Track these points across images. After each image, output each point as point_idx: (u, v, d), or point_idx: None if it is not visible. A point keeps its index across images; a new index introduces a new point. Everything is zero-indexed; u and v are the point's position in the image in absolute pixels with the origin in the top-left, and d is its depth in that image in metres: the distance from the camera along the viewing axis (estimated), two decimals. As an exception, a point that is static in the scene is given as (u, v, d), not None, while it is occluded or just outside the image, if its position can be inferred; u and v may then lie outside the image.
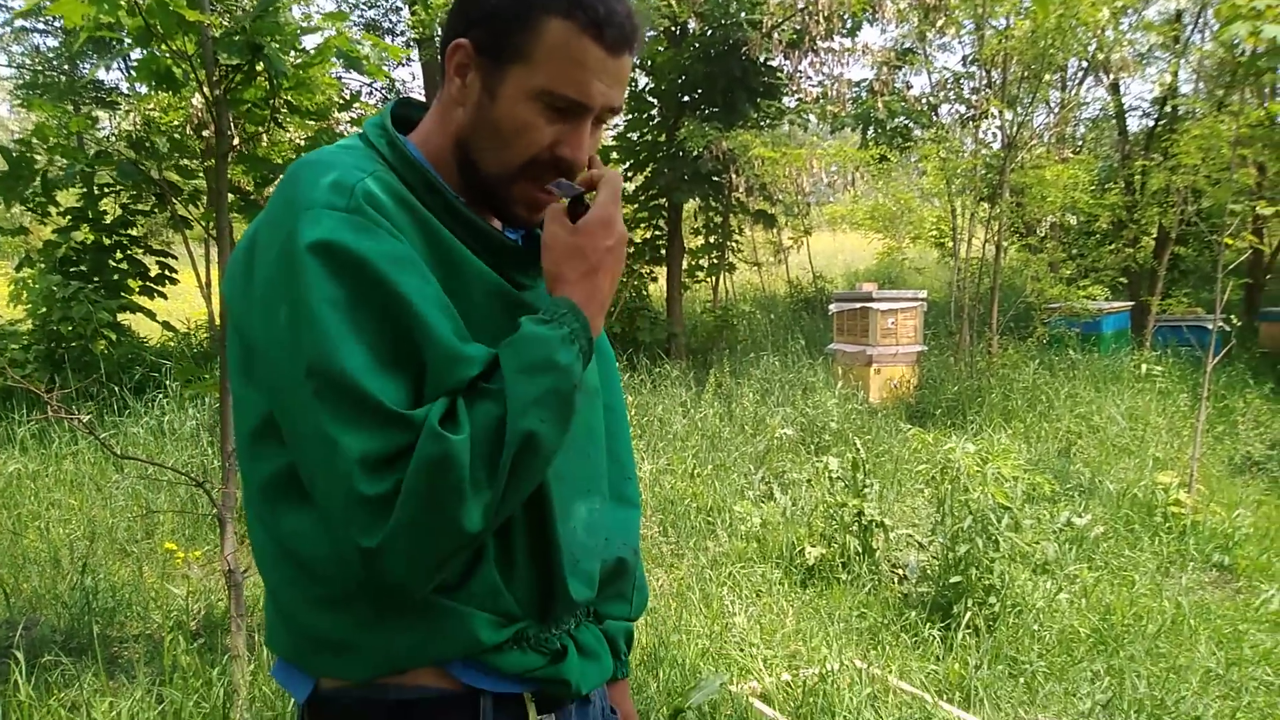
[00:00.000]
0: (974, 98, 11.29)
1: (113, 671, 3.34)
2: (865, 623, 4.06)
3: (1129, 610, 4.20)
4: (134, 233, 9.00)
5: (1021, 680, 3.59)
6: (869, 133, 14.03)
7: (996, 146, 10.17)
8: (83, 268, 8.54)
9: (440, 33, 1.18)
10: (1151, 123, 13.77)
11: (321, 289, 0.97)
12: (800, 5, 10.29)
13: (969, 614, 3.92)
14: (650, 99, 11.56)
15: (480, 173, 1.14)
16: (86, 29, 3.03)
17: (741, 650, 3.69)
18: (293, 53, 3.36)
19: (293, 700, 1.17)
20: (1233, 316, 7.21)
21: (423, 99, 1.27)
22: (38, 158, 3.70)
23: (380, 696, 1.09)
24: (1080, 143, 14.97)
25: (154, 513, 5.06)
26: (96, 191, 8.39)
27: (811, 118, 12.43)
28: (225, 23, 3.26)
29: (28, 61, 15.82)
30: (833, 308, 9.72)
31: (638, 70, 11.36)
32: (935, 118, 12.21)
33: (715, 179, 11.00)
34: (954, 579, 4.06)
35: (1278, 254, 14.25)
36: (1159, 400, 8.42)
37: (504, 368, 1.00)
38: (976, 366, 9.12)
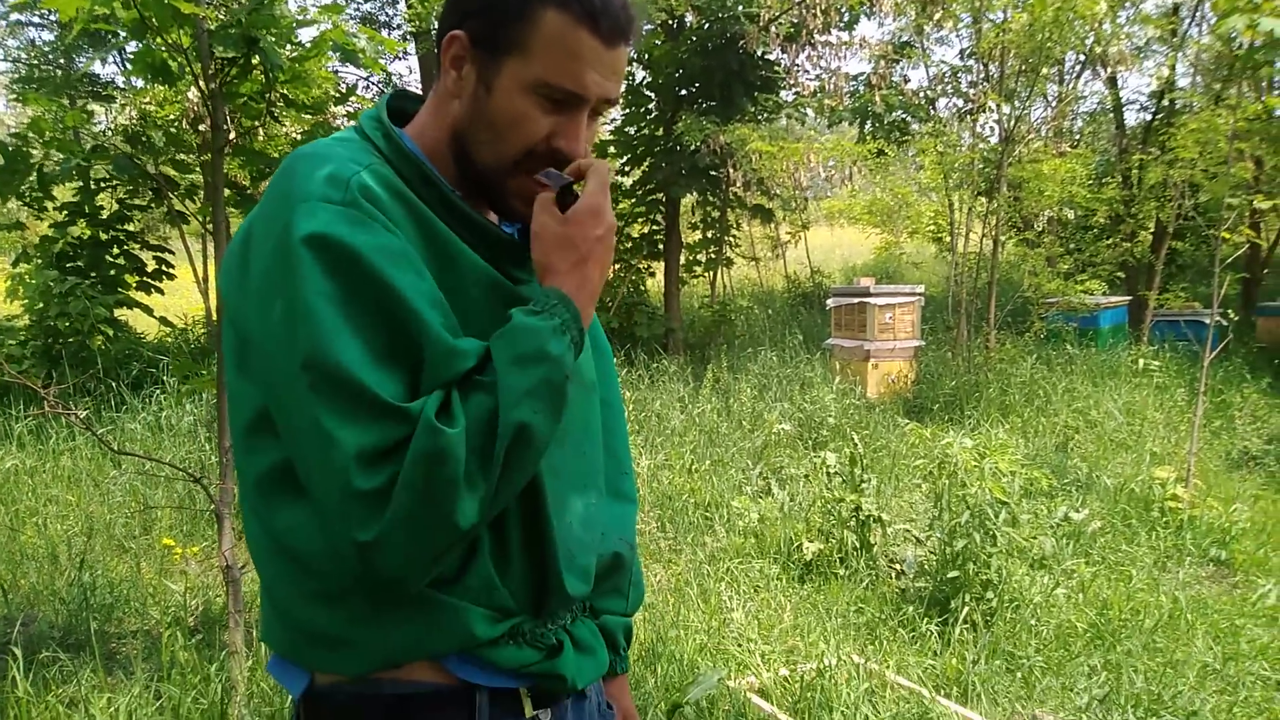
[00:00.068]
0: (971, 92, 11.27)
1: (111, 667, 3.34)
2: (863, 618, 4.07)
3: (1126, 605, 4.21)
4: (131, 228, 8.99)
5: (1019, 675, 3.59)
6: (866, 127, 14.02)
7: (994, 141, 10.18)
8: (80, 263, 8.53)
9: (436, 25, 1.17)
10: (1149, 116, 13.78)
11: (316, 282, 0.97)
12: (797, -1, 10.28)
13: (966, 609, 3.92)
14: (647, 93, 11.55)
15: (476, 165, 1.13)
16: (81, 21, 3.02)
17: (739, 645, 3.69)
18: (289, 46, 3.35)
19: (290, 696, 1.17)
20: (1230, 311, 7.23)
21: (419, 92, 1.26)
22: (34, 152, 3.69)
23: (376, 691, 1.08)
24: (1077, 137, 14.98)
25: (152, 509, 5.05)
26: (93, 186, 8.38)
27: (809, 112, 12.42)
28: (221, 15, 3.25)
29: (23, 56, 15.77)
30: (830, 303, 9.72)
31: (635, 64, 11.34)
32: (932, 112, 12.21)
33: (713, 173, 10.99)
34: (951, 574, 4.06)
35: (1275, 248, 14.27)
36: (1156, 395, 8.43)
37: (495, 359, 1.00)
38: (974, 361, 9.12)
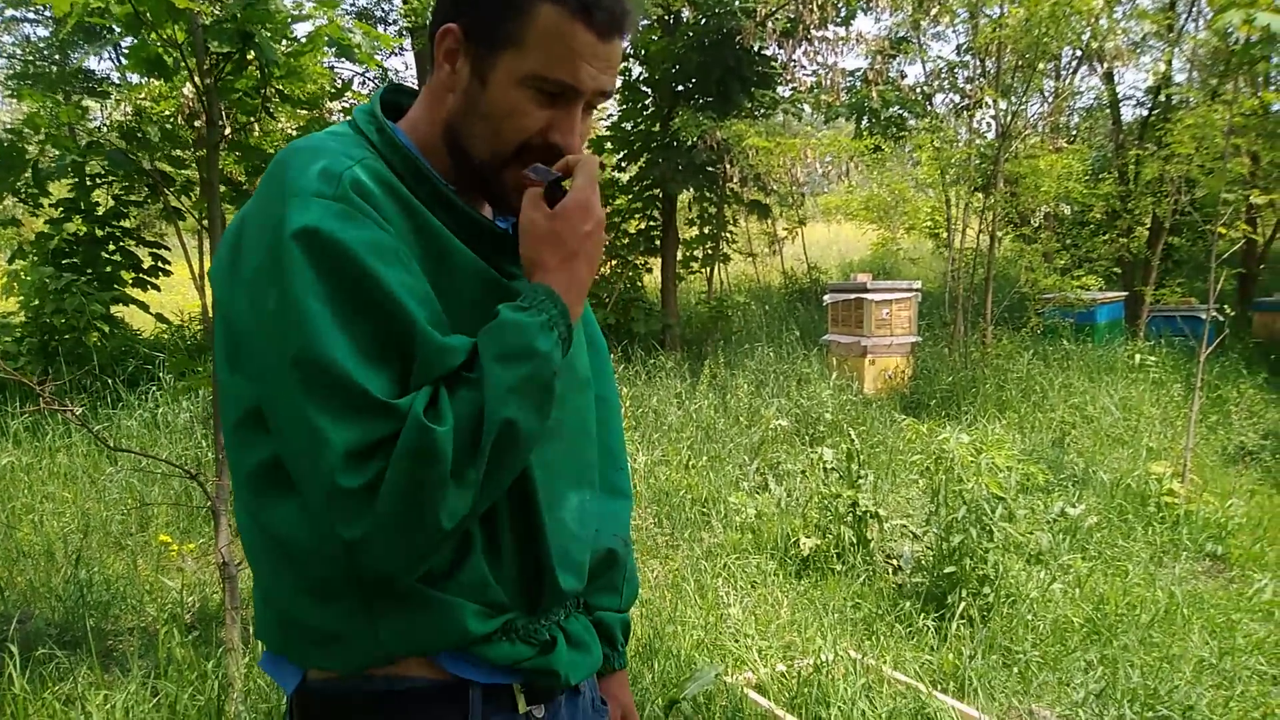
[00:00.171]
0: (968, 87, 11.28)
1: (107, 665, 3.33)
2: (860, 613, 4.07)
3: (1122, 600, 4.21)
4: (126, 224, 8.97)
5: (1015, 670, 3.60)
6: (863, 122, 14.02)
7: (990, 136, 10.17)
8: (75, 260, 8.51)
9: (430, 19, 1.17)
10: (1145, 112, 13.79)
11: (306, 278, 0.96)
12: (794, -6, 10.25)
13: (963, 604, 3.92)
14: (644, 88, 11.53)
15: (471, 159, 1.13)
16: (75, 16, 3.01)
17: (736, 641, 3.69)
18: (284, 41, 3.34)
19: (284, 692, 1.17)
20: (1226, 306, 7.22)
21: (415, 87, 1.26)
22: (29, 148, 3.68)
23: (369, 687, 1.08)
24: (1074, 132, 14.98)
25: (148, 505, 5.04)
26: (88, 183, 8.36)
27: (806, 107, 12.41)
28: (216, 10, 3.24)
29: (18, 52, 15.74)
30: (827, 299, 9.72)
31: (631, 60, 11.32)
32: (929, 107, 12.21)
33: (709, 169, 10.97)
34: (948, 569, 4.06)
35: (1271, 244, 14.28)
36: (1153, 390, 8.44)
37: (481, 356, 1.00)
38: (971, 357, 9.12)
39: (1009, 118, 9.54)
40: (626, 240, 11.91)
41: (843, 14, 11.47)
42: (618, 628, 1.35)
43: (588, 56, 1.08)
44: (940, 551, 4.21)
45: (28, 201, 8.01)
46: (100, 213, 8.64)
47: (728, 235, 12.66)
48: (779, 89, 11.64)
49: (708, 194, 11.88)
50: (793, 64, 11.51)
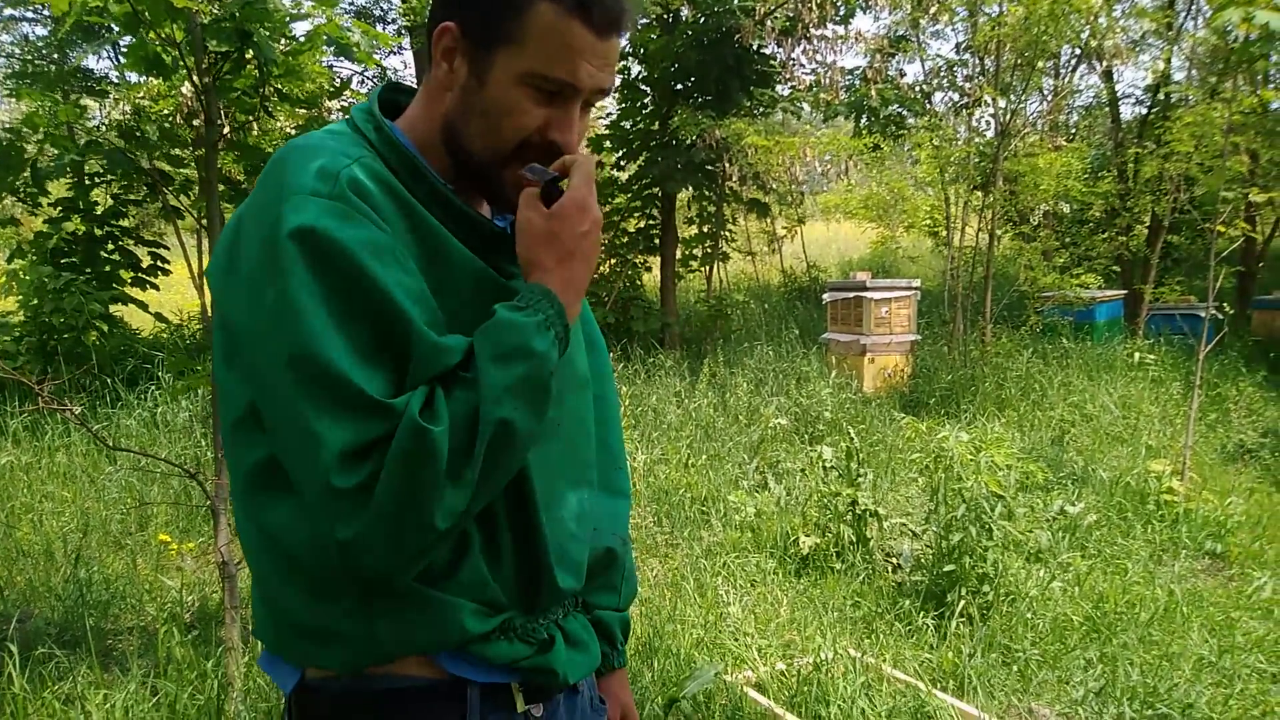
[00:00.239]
0: (967, 85, 11.27)
1: (107, 664, 3.33)
2: (859, 612, 4.07)
3: (1122, 598, 4.21)
4: (125, 224, 8.97)
5: (1015, 668, 3.60)
6: (862, 121, 14.00)
7: (989, 135, 10.17)
8: (74, 259, 8.51)
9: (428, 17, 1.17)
10: (1144, 110, 13.79)
11: (302, 277, 0.96)
12: (793, -7, 10.25)
13: (963, 602, 3.92)
14: (643, 87, 11.52)
15: (470, 157, 1.13)
16: (74, 16, 3.00)
17: (736, 640, 3.69)
18: (283, 40, 3.34)
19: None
20: (1225, 304, 7.22)
21: (414, 86, 1.26)
22: (28, 147, 3.68)
23: (366, 686, 1.08)
24: (1073, 131, 14.98)
25: (147, 505, 5.04)
26: (87, 182, 8.36)
27: (805, 106, 12.40)
28: (214, 9, 3.23)
29: (17, 51, 15.72)
30: (827, 297, 9.71)
31: (630, 58, 11.32)
32: (928, 106, 12.20)
33: (708, 168, 10.97)
34: (948, 568, 4.06)
35: (1270, 242, 14.28)
36: (1152, 388, 8.44)
37: (477, 356, 1.00)
38: (970, 355, 9.13)
39: (1008, 116, 9.54)
40: (625, 239, 11.90)
41: (841, 12, 11.46)
42: (617, 626, 1.35)
43: (586, 54, 1.08)
44: (940, 550, 4.21)
45: (27, 201, 8.01)
46: (99, 212, 8.64)
47: (727, 234, 12.65)
48: (778, 87, 11.64)
49: (707, 193, 11.88)
50: (792, 62, 11.51)
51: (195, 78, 3.09)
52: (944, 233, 11.08)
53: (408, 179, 1.09)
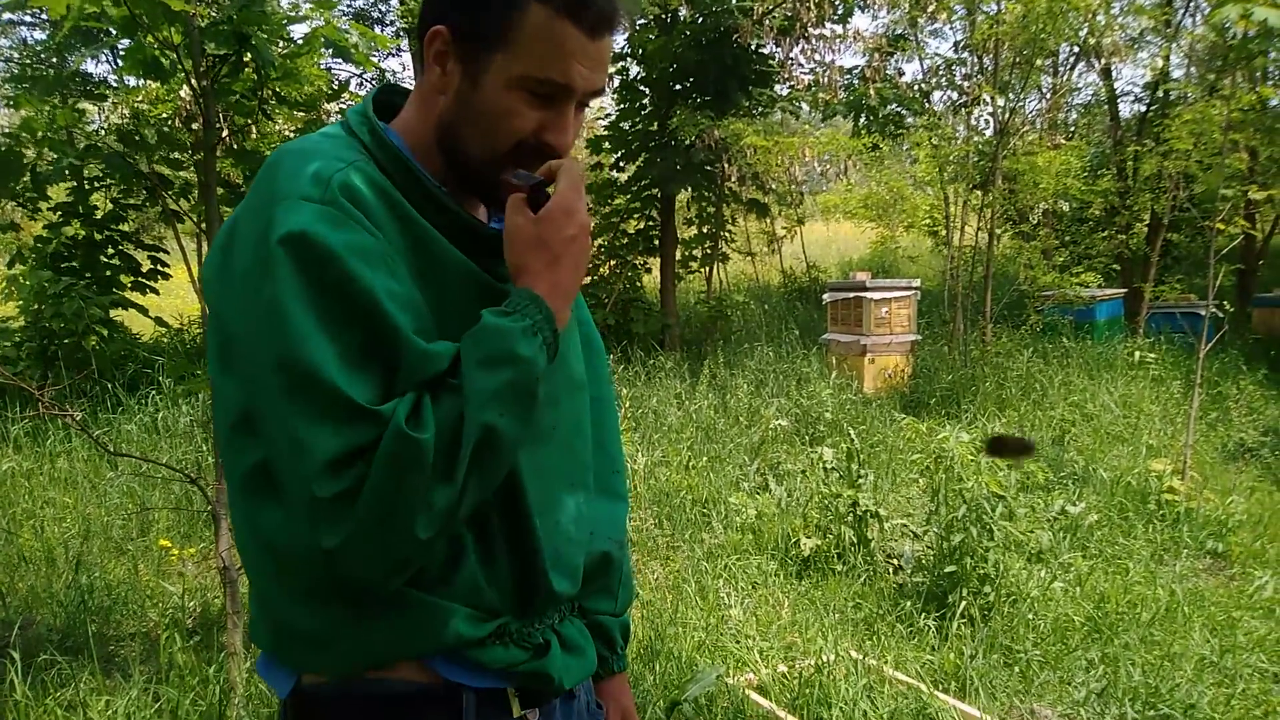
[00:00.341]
0: (966, 84, 11.27)
1: (109, 670, 3.33)
2: (861, 613, 4.07)
3: (1123, 598, 4.21)
4: (125, 228, 8.96)
5: (1017, 669, 3.59)
6: (861, 120, 14.01)
7: (988, 133, 10.16)
8: (74, 263, 8.51)
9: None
10: (1143, 108, 13.79)
11: (291, 282, 0.96)
12: (791, -7, 10.25)
13: (964, 603, 3.92)
14: (641, 88, 11.52)
15: (466, 161, 1.13)
16: (71, 19, 3.00)
17: (738, 642, 3.69)
18: (280, 43, 3.34)
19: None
20: (1225, 302, 7.23)
21: (410, 88, 1.25)
22: (27, 152, 3.67)
23: (362, 691, 1.08)
24: (1072, 129, 14.98)
25: (148, 510, 5.04)
26: (87, 186, 8.35)
27: (803, 105, 12.40)
28: (212, 13, 3.23)
29: (15, 56, 15.73)
30: (827, 297, 9.71)
31: (629, 59, 11.32)
32: (927, 105, 12.20)
33: (708, 168, 10.96)
34: (949, 568, 4.06)
35: (1270, 239, 14.27)
36: (1152, 387, 8.44)
37: (463, 361, 1.00)
38: (970, 355, 9.12)
39: (1007, 114, 9.54)
40: (625, 240, 11.91)
41: (840, 11, 11.47)
42: (616, 630, 1.35)
43: (579, 56, 1.07)
44: (941, 551, 4.21)
45: (26, 205, 8.01)
46: (99, 216, 8.64)
47: (726, 234, 12.65)
48: (777, 87, 11.64)
49: (706, 193, 11.88)
50: (790, 62, 11.51)
51: (193, 81, 3.09)
52: (943, 232, 11.09)
53: (401, 183, 1.09)
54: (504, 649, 1.12)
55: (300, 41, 3.38)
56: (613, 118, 11.94)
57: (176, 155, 4.80)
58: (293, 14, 3.41)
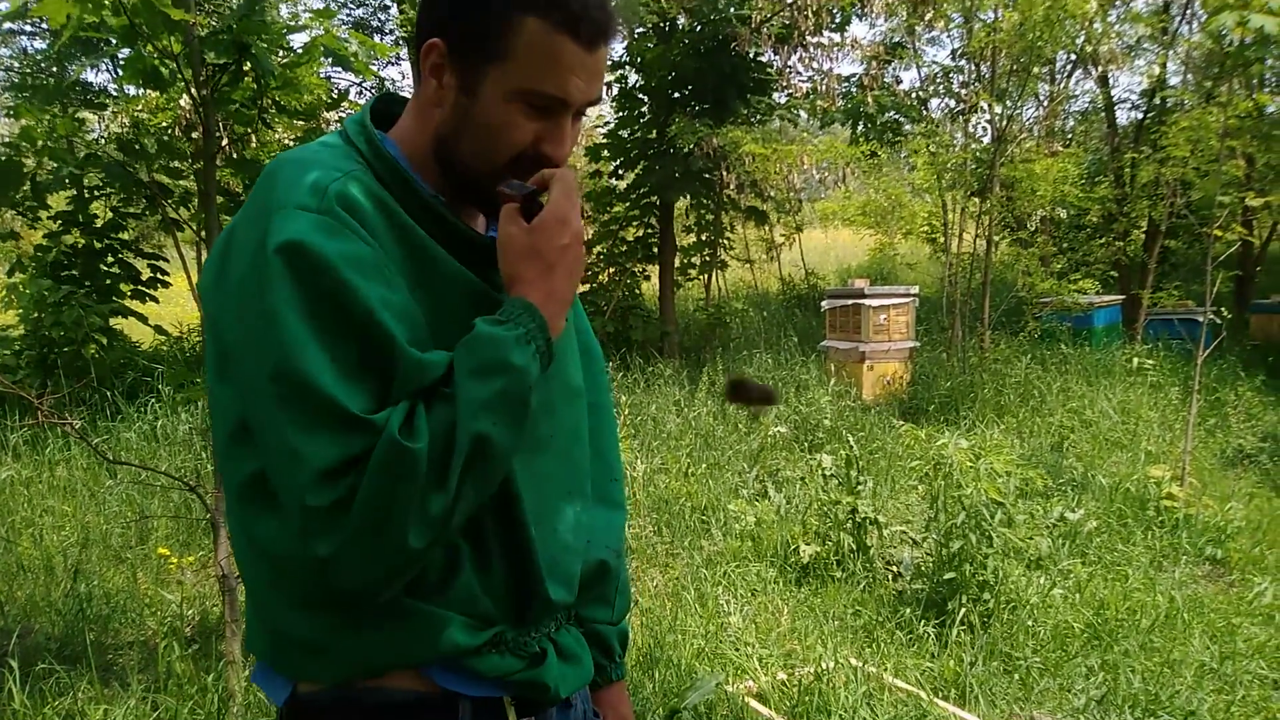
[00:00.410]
0: (963, 92, 11.31)
1: (107, 679, 3.32)
2: (860, 620, 4.07)
3: (1123, 605, 4.21)
4: (125, 236, 8.97)
5: (1016, 676, 3.59)
6: (859, 128, 14.02)
7: (986, 140, 10.20)
8: (74, 272, 8.52)
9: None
10: (1140, 115, 13.80)
11: (286, 292, 0.97)
12: (788, 0, 10.28)
13: (963, 610, 3.92)
14: (640, 96, 11.54)
15: (465, 172, 1.13)
16: (71, 28, 3.01)
17: (737, 650, 3.69)
18: (280, 52, 3.35)
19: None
20: (1223, 309, 7.22)
21: (409, 96, 1.26)
22: (27, 161, 3.68)
23: (358, 699, 1.09)
24: (1069, 136, 15.01)
25: (147, 518, 5.03)
26: (86, 195, 8.36)
27: (802, 114, 12.42)
28: (212, 22, 3.25)
29: (15, 65, 15.77)
30: (825, 304, 9.72)
31: (627, 67, 11.35)
32: (925, 112, 12.23)
33: (706, 176, 10.98)
34: (948, 575, 4.06)
35: (1268, 246, 14.30)
36: (1151, 394, 8.44)
37: (456, 370, 1.00)
38: (969, 362, 9.13)
39: (1004, 122, 9.56)
40: (624, 248, 11.92)
41: (837, 20, 11.50)
42: (614, 639, 1.35)
43: (575, 68, 1.08)
44: (940, 557, 4.21)
45: (26, 214, 8.01)
46: (98, 225, 8.65)
47: (725, 242, 12.67)
48: (775, 95, 11.66)
49: (705, 201, 11.89)
50: (788, 70, 11.55)
51: (193, 90, 3.10)
52: (941, 239, 11.10)
53: (399, 193, 1.10)
54: (500, 658, 1.12)
55: (300, 50, 3.39)
56: (611, 126, 11.96)
57: (176, 164, 4.81)
58: (292, 23, 3.42)
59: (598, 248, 11.87)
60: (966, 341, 9.59)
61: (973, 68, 10.82)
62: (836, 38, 11.79)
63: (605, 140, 11.88)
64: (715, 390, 8.31)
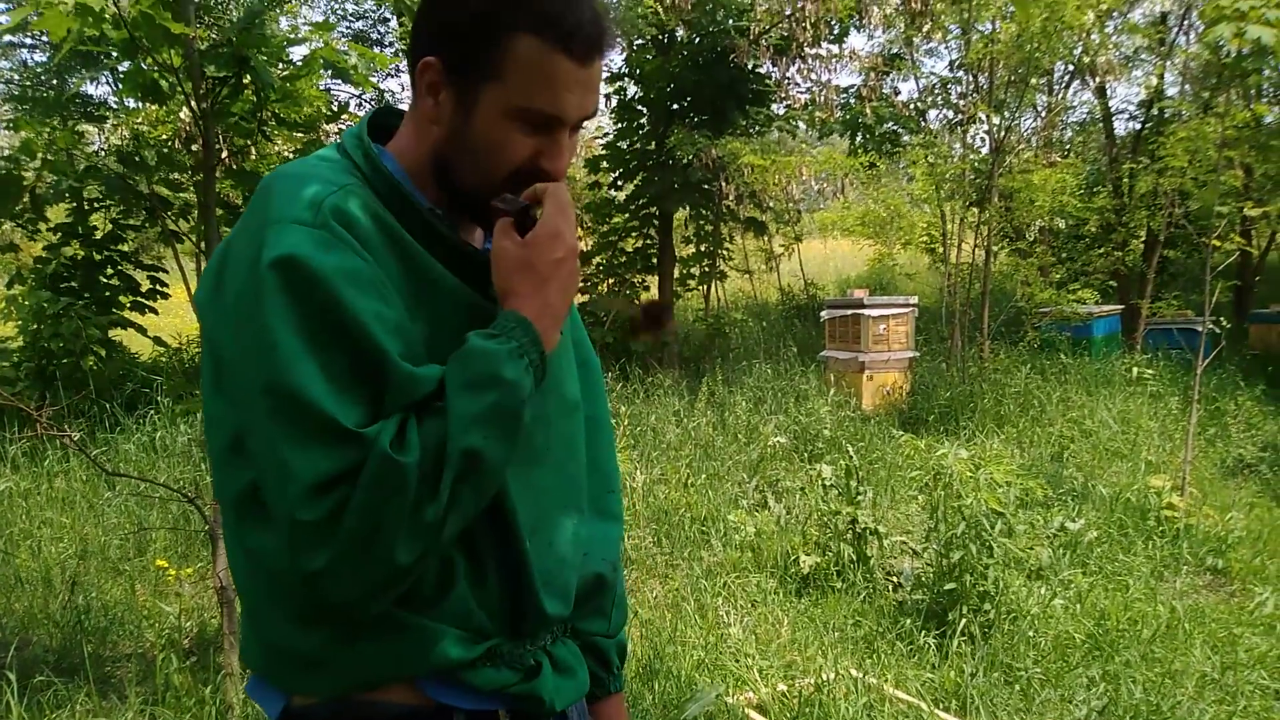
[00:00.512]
0: (961, 103, 11.33)
1: (105, 691, 3.31)
2: (860, 631, 4.06)
3: (1124, 615, 4.20)
4: (124, 248, 8.98)
5: (1017, 687, 3.58)
6: (857, 139, 14.07)
7: (984, 151, 10.21)
8: (73, 283, 8.52)
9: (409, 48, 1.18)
10: (1138, 126, 13.84)
11: (280, 306, 0.97)
12: (787, 11, 10.32)
13: (964, 621, 3.91)
14: (639, 108, 11.58)
15: (462, 187, 1.13)
16: (71, 41, 3.02)
17: (737, 661, 3.68)
18: (280, 64, 3.36)
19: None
20: (1222, 319, 7.23)
21: (406, 109, 1.26)
22: (26, 174, 3.69)
23: (352, 712, 1.08)
24: (1068, 147, 15.04)
25: (146, 530, 5.03)
26: (86, 207, 8.38)
27: (800, 124, 12.46)
28: (212, 35, 3.26)
29: (16, 78, 15.81)
30: (824, 315, 9.72)
31: (626, 79, 11.38)
32: (923, 123, 12.26)
33: (705, 187, 11.00)
34: (948, 586, 4.05)
35: (1266, 256, 14.31)
36: (1150, 404, 8.44)
37: (448, 384, 1.00)
38: (968, 372, 9.13)
39: (1002, 133, 9.59)
40: (623, 259, 11.93)
41: (835, 31, 11.55)
42: (612, 650, 1.35)
43: (570, 85, 1.08)
44: (940, 568, 4.20)
45: (26, 226, 8.02)
46: (98, 236, 8.65)
47: (724, 253, 12.68)
48: (773, 106, 11.70)
49: (704, 212, 11.91)
50: (787, 81, 11.57)
51: (193, 103, 3.11)
52: (940, 249, 11.12)
53: (395, 207, 1.10)
54: (495, 671, 1.12)
55: (300, 63, 3.41)
56: (610, 137, 12.00)
57: (176, 176, 4.83)
58: (292, 36, 3.44)
59: (597, 259, 11.88)
60: (966, 351, 9.60)
61: (970, 79, 10.86)
62: (835, 49, 11.83)
63: (604, 151, 11.91)
64: (714, 400, 8.31)
